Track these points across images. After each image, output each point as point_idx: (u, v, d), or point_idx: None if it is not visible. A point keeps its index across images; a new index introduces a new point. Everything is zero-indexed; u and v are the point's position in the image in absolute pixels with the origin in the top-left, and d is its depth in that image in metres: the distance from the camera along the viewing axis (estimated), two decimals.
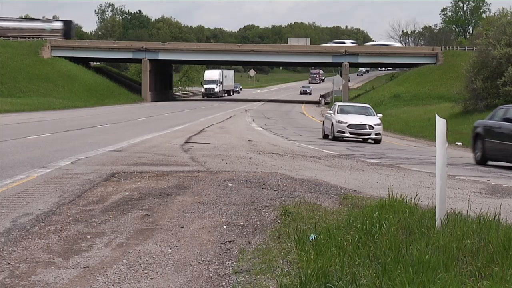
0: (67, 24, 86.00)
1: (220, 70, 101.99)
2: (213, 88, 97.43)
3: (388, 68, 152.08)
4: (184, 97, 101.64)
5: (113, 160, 16.15)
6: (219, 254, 7.43)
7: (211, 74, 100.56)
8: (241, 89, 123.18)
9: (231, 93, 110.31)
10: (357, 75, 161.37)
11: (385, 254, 6.46)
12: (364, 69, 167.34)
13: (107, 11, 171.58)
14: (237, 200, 10.76)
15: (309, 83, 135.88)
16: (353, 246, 6.97)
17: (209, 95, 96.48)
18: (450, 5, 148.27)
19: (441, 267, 6.09)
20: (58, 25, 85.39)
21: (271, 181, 12.98)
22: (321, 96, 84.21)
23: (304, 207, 9.92)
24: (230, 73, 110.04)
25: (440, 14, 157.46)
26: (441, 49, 79.57)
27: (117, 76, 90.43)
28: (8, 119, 35.17)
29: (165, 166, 15.12)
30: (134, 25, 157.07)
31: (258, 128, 34.48)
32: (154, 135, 25.76)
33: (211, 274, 6.64)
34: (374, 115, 29.71)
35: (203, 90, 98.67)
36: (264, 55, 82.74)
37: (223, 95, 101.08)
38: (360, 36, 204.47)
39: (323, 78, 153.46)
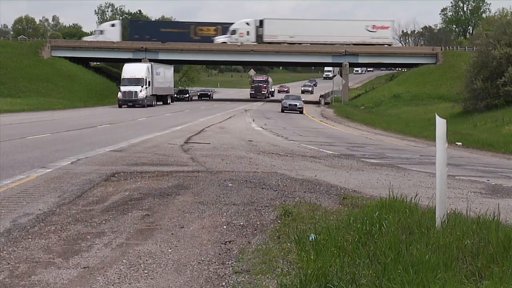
0: None
1: (148, 64, 63.17)
2: (135, 92, 58.88)
3: (368, 69, 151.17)
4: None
5: (113, 160, 16.16)
6: (219, 254, 7.43)
7: (133, 69, 61.49)
8: (212, 95, 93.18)
9: (168, 101, 69.01)
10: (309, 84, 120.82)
11: (385, 254, 6.46)
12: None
13: (107, 11, 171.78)
14: (237, 200, 10.76)
15: (251, 96, 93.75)
16: (353, 246, 6.97)
17: (128, 103, 58.57)
18: (450, 5, 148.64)
19: (441, 267, 6.08)
20: None
21: (271, 181, 12.98)
22: (321, 96, 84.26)
23: (304, 207, 9.93)
24: (167, 71, 69.56)
25: (440, 14, 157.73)
26: (441, 49, 79.58)
27: (117, 76, 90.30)
28: (8, 119, 35.18)
29: (165, 166, 15.13)
30: None
31: (258, 128, 34.45)
32: (154, 135, 25.76)
33: (211, 274, 6.64)
34: None
35: (119, 94, 60.03)
36: (264, 55, 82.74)
37: (153, 103, 62.42)
38: None
39: (272, 90, 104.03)
